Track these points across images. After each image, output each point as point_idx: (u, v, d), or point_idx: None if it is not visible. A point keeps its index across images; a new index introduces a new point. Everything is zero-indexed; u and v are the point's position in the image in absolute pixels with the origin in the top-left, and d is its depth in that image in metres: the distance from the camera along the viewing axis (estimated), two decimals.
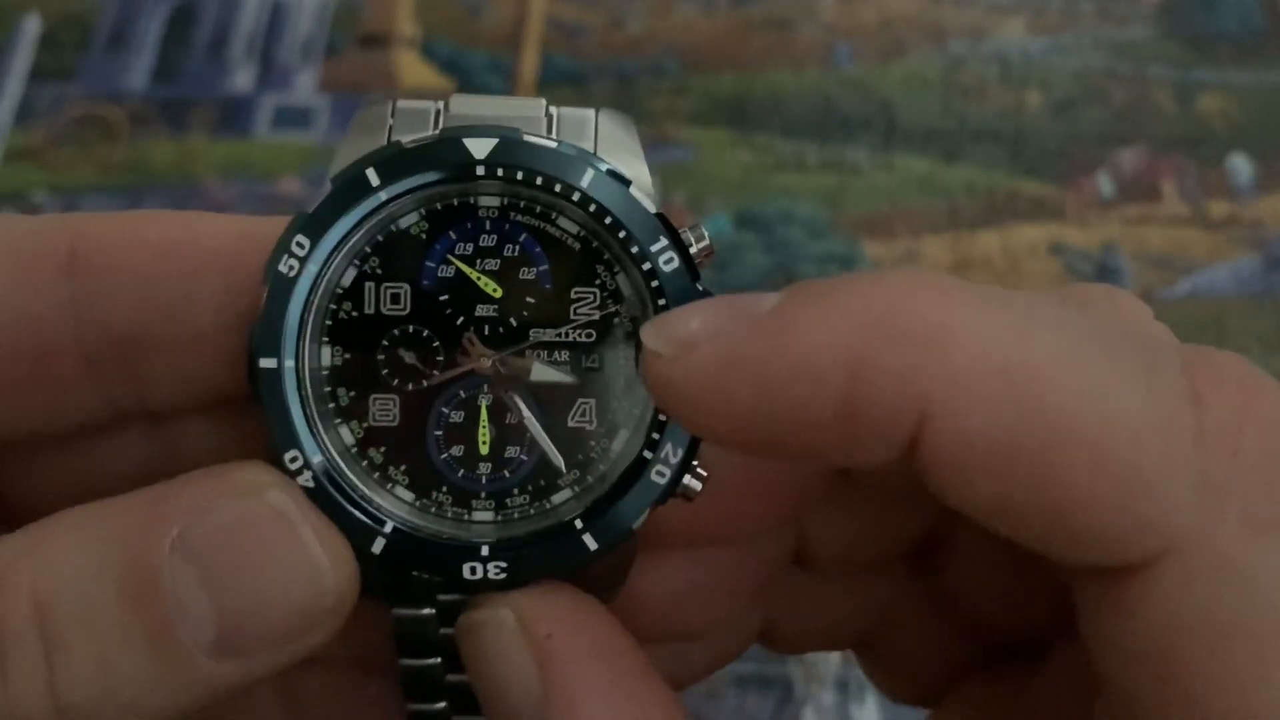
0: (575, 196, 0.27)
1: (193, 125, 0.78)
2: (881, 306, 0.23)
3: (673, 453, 0.27)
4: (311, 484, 0.26)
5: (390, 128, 0.28)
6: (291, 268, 0.27)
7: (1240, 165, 0.75)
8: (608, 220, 0.27)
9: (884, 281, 0.24)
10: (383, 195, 0.27)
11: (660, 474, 0.27)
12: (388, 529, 0.26)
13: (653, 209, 0.27)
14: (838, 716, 0.58)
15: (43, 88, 0.78)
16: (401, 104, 0.28)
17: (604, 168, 0.27)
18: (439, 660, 0.28)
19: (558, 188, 0.27)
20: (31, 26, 0.80)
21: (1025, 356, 0.23)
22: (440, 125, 0.28)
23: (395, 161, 0.27)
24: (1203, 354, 0.25)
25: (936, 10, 0.81)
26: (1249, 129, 0.76)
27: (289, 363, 0.27)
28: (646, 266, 0.27)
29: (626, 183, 0.27)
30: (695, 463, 0.27)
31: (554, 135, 0.28)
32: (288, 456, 0.26)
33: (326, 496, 0.26)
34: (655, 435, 0.27)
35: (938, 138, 0.75)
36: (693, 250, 0.27)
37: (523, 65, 0.79)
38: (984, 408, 0.23)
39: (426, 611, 0.28)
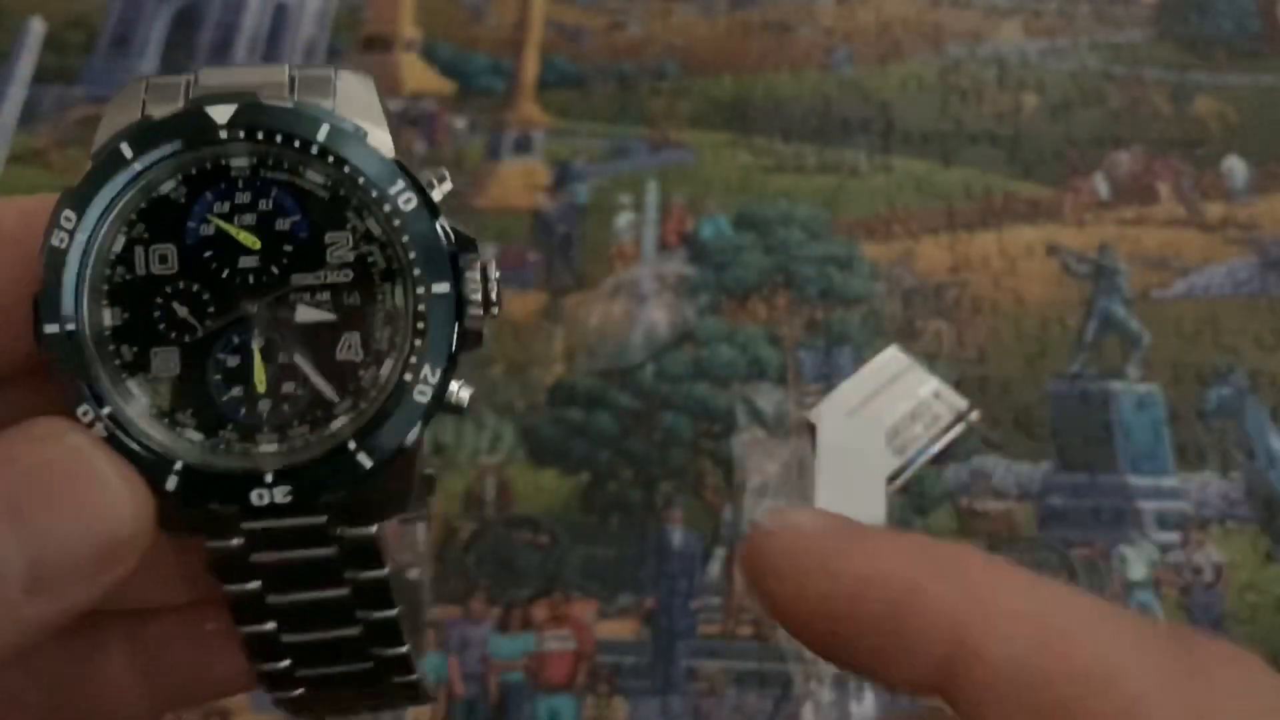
0: (314, 149, 0.29)
1: None
2: (945, 553, 0.27)
3: (430, 373, 0.29)
4: (105, 434, 0.28)
5: (144, 103, 0.30)
6: (62, 240, 0.29)
7: (1236, 167, 0.75)
8: (347, 169, 0.29)
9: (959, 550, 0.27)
10: (137, 166, 0.29)
11: (422, 393, 0.29)
12: (178, 467, 0.29)
13: (389, 155, 0.30)
14: (837, 713, 0.58)
15: (47, 90, 0.79)
16: (153, 79, 0.30)
17: (338, 122, 0.30)
18: (259, 583, 0.30)
19: (296, 143, 0.29)
20: (36, 29, 0.80)
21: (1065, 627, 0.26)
22: (189, 97, 0.30)
23: (146, 134, 0.29)
24: None
25: (934, 13, 0.82)
26: (1245, 131, 0.77)
27: (70, 326, 0.29)
28: (387, 208, 0.29)
29: (362, 133, 0.30)
30: (459, 381, 0.30)
31: (294, 96, 0.30)
32: (79, 411, 0.28)
33: (119, 444, 0.28)
34: (413, 359, 0.29)
35: (935, 140, 0.76)
36: (434, 193, 0.30)
37: (524, 68, 0.80)
38: (1011, 644, 0.25)
39: (235, 542, 0.30)
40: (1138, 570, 0.62)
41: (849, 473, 0.63)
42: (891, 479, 0.63)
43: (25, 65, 0.79)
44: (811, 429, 0.63)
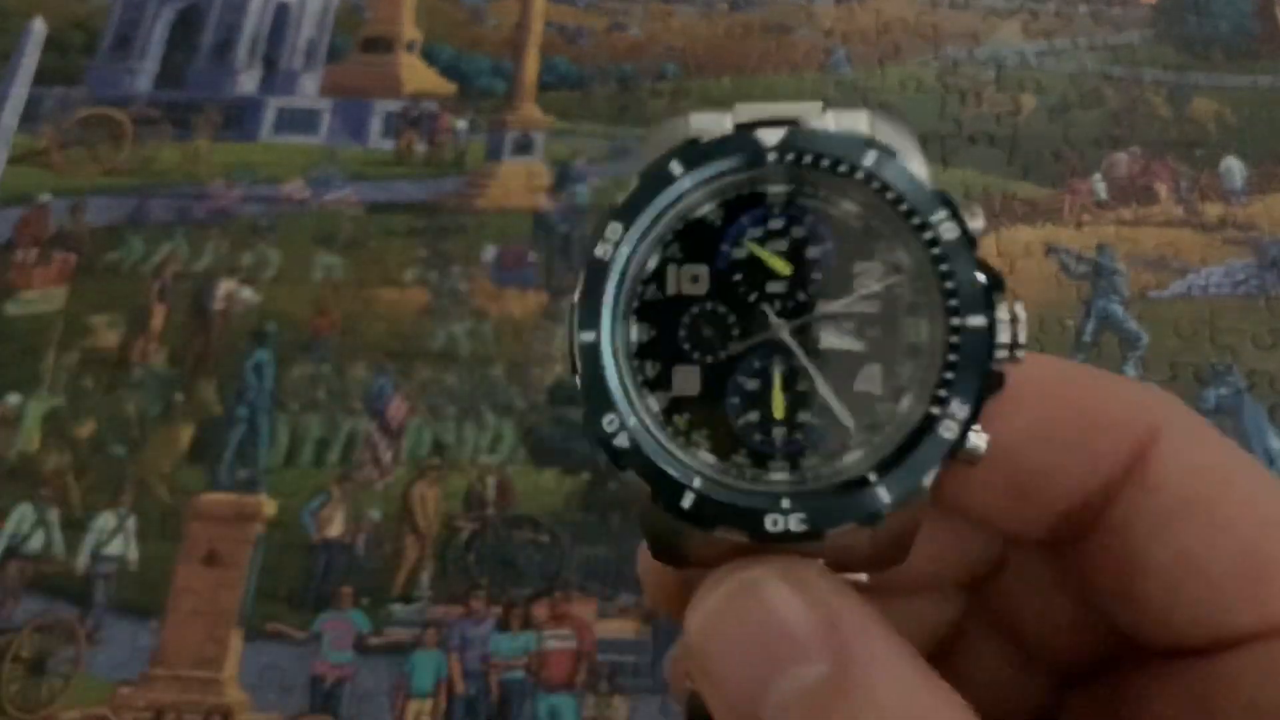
0: (859, 175, 0.29)
1: (197, 128, 0.78)
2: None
3: (959, 408, 0.28)
4: (627, 444, 0.28)
5: (690, 126, 0.30)
6: (606, 252, 0.29)
7: (1233, 168, 0.76)
8: (889, 195, 0.29)
9: None
10: (686, 183, 0.29)
11: (949, 428, 0.28)
12: (696, 484, 0.28)
13: (931, 186, 0.29)
14: None
15: (49, 91, 0.79)
16: (695, 114, 0.30)
17: (884, 149, 0.29)
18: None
19: (841, 167, 0.29)
20: (38, 30, 0.80)
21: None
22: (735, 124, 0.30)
23: (697, 153, 0.30)
24: None
25: (933, 15, 0.82)
26: (1242, 132, 0.77)
27: (605, 337, 0.29)
28: (928, 236, 0.29)
29: (904, 160, 0.29)
30: (978, 426, 0.28)
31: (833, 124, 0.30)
32: (605, 420, 0.28)
33: (640, 455, 0.28)
34: (941, 393, 0.28)
35: (934, 141, 0.76)
36: (970, 225, 0.29)
37: (524, 69, 0.80)
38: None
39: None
40: None
41: None
42: None
43: (27, 66, 0.79)
44: None
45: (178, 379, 0.70)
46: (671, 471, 0.28)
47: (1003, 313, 0.28)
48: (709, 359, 0.30)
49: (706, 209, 0.30)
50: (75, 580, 0.65)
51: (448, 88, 0.79)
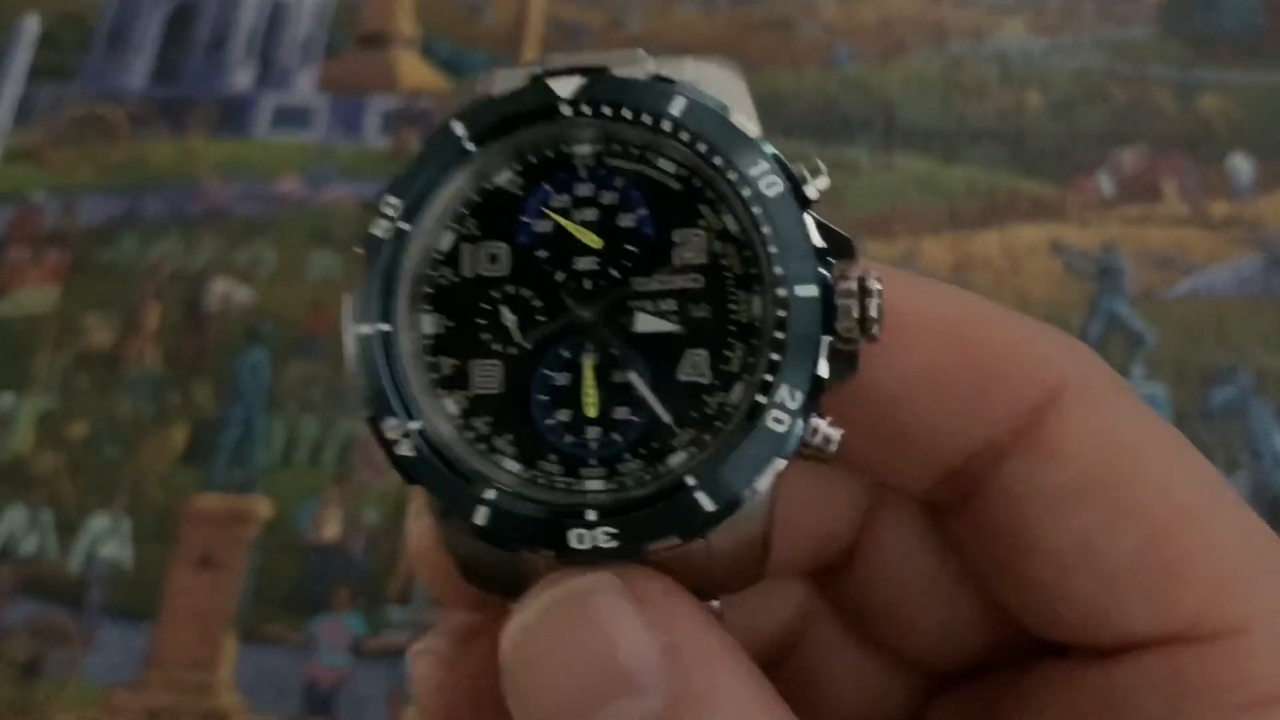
0: (666, 124, 0.25)
1: (192, 125, 0.78)
2: None
3: (788, 396, 0.24)
4: (412, 452, 0.25)
5: (486, 85, 0.27)
6: (386, 230, 0.26)
7: (1241, 165, 0.75)
8: (700, 147, 0.25)
9: None
10: (470, 146, 0.26)
11: (778, 421, 0.24)
12: (489, 496, 0.25)
13: (754, 133, 0.25)
14: None
15: (42, 87, 0.78)
16: (500, 69, 0.27)
17: (696, 96, 0.25)
18: None
19: (648, 119, 0.25)
20: (31, 26, 0.80)
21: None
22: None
23: (480, 110, 0.26)
24: None
25: (937, 10, 0.81)
26: (1249, 129, 0.76)
27: (386, 328, 0.25)
28: (746, 192, 0.25)
29: (723, 109, 0.25)
30: (828, 418, 0.24)
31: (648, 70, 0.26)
32: (386, 425, 0.25)
33: (426, 465, 0.25)
34: (768, 378, 0.24)
35: (938, 138, 0.75)
36: (808, 186, 0.25)
37: None
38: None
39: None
40: None
41: None
42: None
43: (20, 62, 0.79)
44: None
45: (172, 379, 0.69)
46: (463, 483, 0.24)
47: (849, 283, 0.24)
48: (512, 351, 0.26)
49: (505, 176, 0.26)
50: (69, 583, 0.64)
51: (446, 84, 0.78)
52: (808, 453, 0.24)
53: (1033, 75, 0.78)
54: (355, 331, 0.25)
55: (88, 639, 0.63)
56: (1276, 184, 0.74)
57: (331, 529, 0.65)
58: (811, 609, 0.31)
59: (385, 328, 0.25)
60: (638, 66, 0.26)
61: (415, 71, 0.79)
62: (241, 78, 0.79)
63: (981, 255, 0.71)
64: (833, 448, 0.24)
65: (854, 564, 0.30)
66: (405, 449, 0.25)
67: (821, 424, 0.24)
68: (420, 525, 0.28)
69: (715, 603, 0.25)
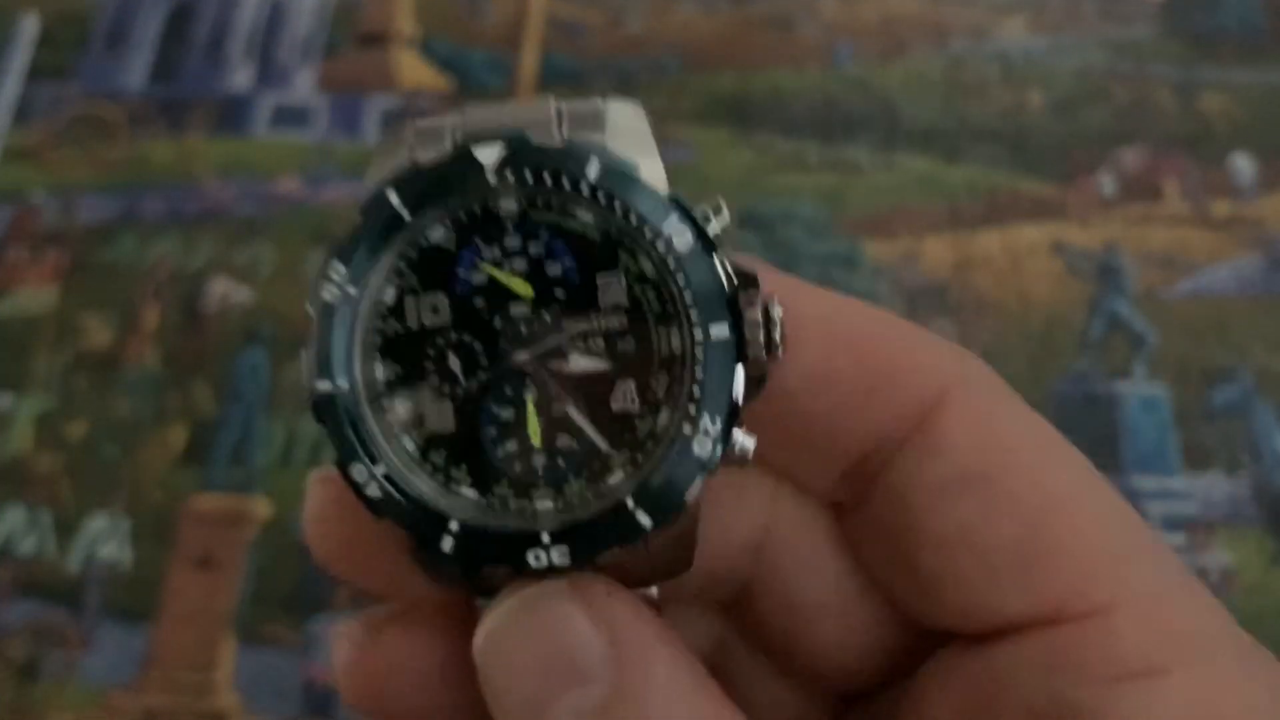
0: (583, 189, 0.28)
1: (191, 124, 0.77)
2: None
3: (709, 424, 0.27)
4: (379, 494, 0.28)
5: (410, 148, 0.29)
6: (333, 294, 0.28)
7: (1242, 164, 0.75)
8: (618, 206, 0.28)
9: None
10: (405, 214, 0.29)
11: (702, 445, 0.28)
12: (454, 528, 0.28)
13: (663, 191, 0.29)
14: None
15: (41, 87, 0.78)
16: (420, 124, 0.30)
17: (609, 159, 0.28)
18: None
19: (567, 183, 0.28)
20: (29, 25, 0.80)
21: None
22: (455, 140, 0.29)
23: (412, 180, 0.29)
24: None
25: (937, 9, 0.81)
26: (1251, 128, 0.76)
27: (343, 383, 0.28)
28: (661, 247, 0.28)
29: (634, 168, 0.29)
30: (740, 428, 0.28)
31: (563, 132, 0.29)
32: (353, 471, 0.28)
33: (393, 503, 0.28)
34: (691, 409, 0.28)
35: (939, 137, 0.75)
36: (710, 226, 0.28)
37: (523, 64, 0.79)
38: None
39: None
40: None
41: None
42: None
43: (19, 61, 0.79)
44: None
45: (171, 379, 0.69)
46: (428, 515, 0.28)
47: (754, 314, 0.28)
48: (459, 391, 0.29)
49: (439, 233, 0.29)
50: (67, 583, 0.64)
51: (445, 83, 0.78)
52: (728, 462, 0.28)
53: (1034, 75, 0.78)
54: (313, 388, 0.28)
55: (86, 639, 0.63)
56: (1278, 184, 0.74)
57: None
58: (726, 641, 0.34)
59: (342, 384, 0.28)
60: (552, 126, 0.29)
61: (415, 71, 0.79)
62: (240, 77, 0.79)
63: (982, 255, 0.71)
64: (749, 455, 0.28)
65: (755, 590, 0.32)
66: (373, 490, 0.28)
67: (739, 435, 0.28)
68: (321, 491, 0.31)
69: (653, 590, 0.29)
